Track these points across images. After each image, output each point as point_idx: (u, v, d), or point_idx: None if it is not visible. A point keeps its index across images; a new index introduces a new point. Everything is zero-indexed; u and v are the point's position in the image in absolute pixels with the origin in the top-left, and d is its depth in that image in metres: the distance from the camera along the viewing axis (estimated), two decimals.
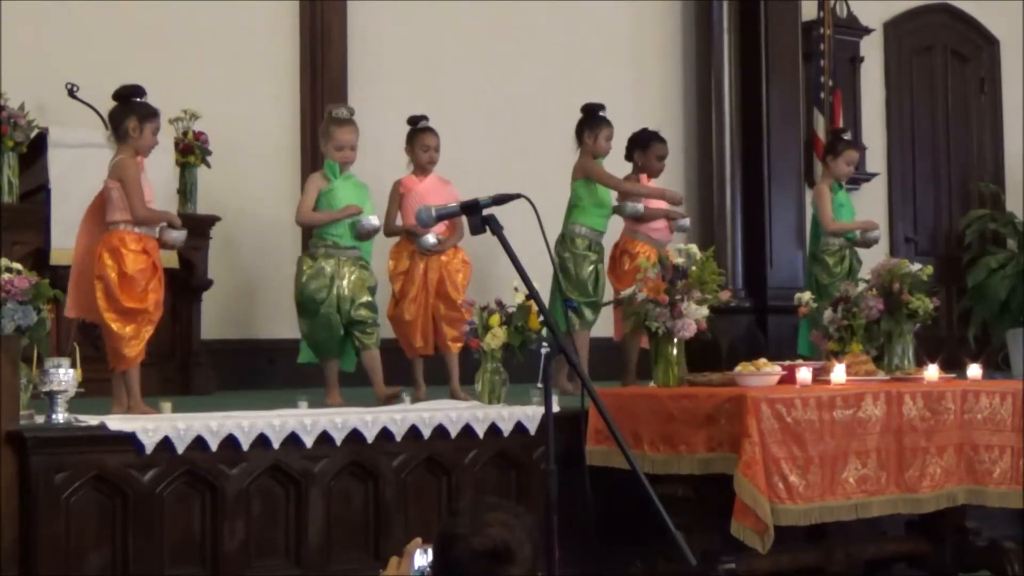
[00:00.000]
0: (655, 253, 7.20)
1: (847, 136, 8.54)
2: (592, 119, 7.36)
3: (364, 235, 6.54)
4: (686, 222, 7.87)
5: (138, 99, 5.91)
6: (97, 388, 5.78)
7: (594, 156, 7.34)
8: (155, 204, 6.02)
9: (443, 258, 6.91)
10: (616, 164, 7.68)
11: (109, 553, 5.00)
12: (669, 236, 7.63)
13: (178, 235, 5.95)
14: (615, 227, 7.64)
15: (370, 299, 6.51)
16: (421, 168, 7.03)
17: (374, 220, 6.54)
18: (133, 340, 5.80)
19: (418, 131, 7.07)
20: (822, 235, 8.03)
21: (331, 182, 6.54)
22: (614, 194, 7.47)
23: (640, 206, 7.40)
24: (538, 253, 3.73)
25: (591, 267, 7.26)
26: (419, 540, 2.92)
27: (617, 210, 7.41)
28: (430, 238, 6.82)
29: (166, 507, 5.12)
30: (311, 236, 6.70)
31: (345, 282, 6.45)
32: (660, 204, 7.62)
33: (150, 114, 5.91)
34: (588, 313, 7.27)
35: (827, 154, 8.26)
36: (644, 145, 7.74)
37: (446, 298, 6.86)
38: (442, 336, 6.89)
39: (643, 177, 7.72)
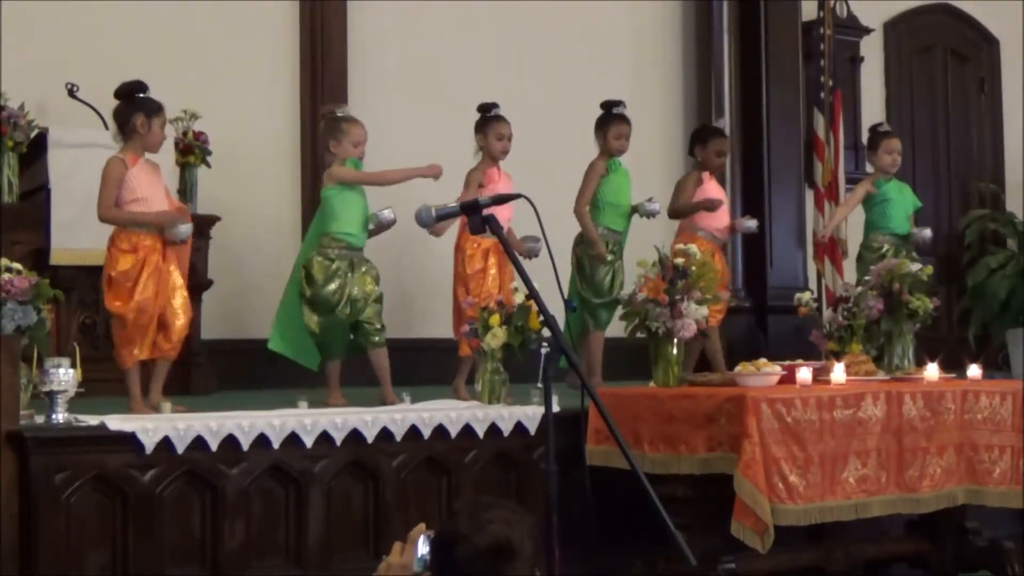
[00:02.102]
0: (716, 251, 7.33)
1: (883, 128, 8.36)
2: (603, 117, 7.29)
3: (382, 229, 6.48)
4: (754, 223, 7.85)
5: (142, 95, 5.91)
6: (97, 388, 5.76)
7: (609, 155, 7.27)
8: (164, 203, 5.98)
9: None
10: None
11: (109, 553, 5.00)
12: (728, 235, 7.64)
13: (182, 229, 5.90)
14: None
15: (378, 299, 6.47)
16: (493, 158, 6.98)
17: (390, 214, 6.49)
18: (127, 342, 5.81)
19: (492, 119, 6.99)
20: (869, 233, 8.01)
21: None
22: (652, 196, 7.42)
23: (656, 206, 7.35)
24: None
25: (606, 267, 7.20)
26: (423, 526, 2.90)
27: (636, 209, 7.37)
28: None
29: (166, 507, 5.12)
30: (322, 235, 6.58)
31: (357, 282, 6.40)
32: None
33: (157, 109, 5.90)
34: (603, 314, 7.23)
35: (868, 150, 8.22)
36: (703, 140, 7.71)
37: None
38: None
39: (705, 175, 7.67)
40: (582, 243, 7.22)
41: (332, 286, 6.36)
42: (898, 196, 8.02)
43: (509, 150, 6.98)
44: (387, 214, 6.46)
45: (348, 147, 6.46)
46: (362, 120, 6.66)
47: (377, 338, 6.45)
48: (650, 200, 7.34)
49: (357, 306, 6.39)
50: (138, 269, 5.80)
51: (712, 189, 7.72)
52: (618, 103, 7.31)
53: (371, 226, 6.50)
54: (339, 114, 6.56)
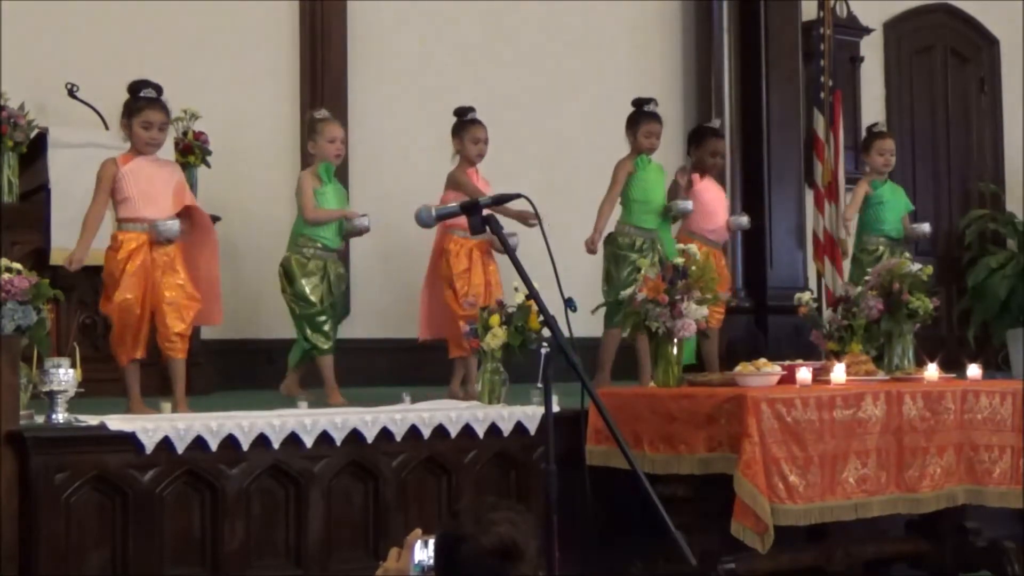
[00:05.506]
0: (713, 253, 7.27)
1: (877, 128, 8.39)
2: (634, 115, 7.29)
3: (356, 235, 6.58)
4: (745, 219, 7.85)
5: (136, 94, 5.90)
6: (97, 388, 5.77)
7: (639, 153, 7.26)
8: (163, 202, 5.96)
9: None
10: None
11: (109, 553, 5.00)
12: (726, 236, 7.64)
13: (169, 227, 5.85)
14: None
15: (335, 306, 6.59)
16: (469, 161, 7.00)
17: (366, 221, 6.56)
18: (118, 342, 5.82)
19: (468, 122, 7.02)
20: (863, 235, 8.02)
21: (323, 183, 6.56)
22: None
23: (688, 204, 7.34)
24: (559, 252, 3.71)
25: (631, 267, 7.18)
26: (419, 531, 2.89)
27: (667, 208, 7.36)
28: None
29: (166, 507, 5.11)
30: (298, 236, 6.65)
31: (332, 282, 6.54)
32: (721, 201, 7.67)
33: (137, 110, 5.87)
34: (618, 312, 7.20)
35: (862, 151, 8.24)
36: (698, 141, 7.72)
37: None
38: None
39: (697, 176, 7.69)
40: (608, 243, 7.22)
41: (311, 285, 6.47)
42: (892, 198, 8.05)
43: (485, 153, 7.02)
44: (364, 221, 6.54)
45: (323, 145, 6.58)
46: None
47: (325, 345, 6.51)
48: (683, 199, 7.36)
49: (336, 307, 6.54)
50: (120, 268, 5.78)
51: (706, 190, 7.71)
52: (649, 100, 7.30)
53: (345, 230, 6.59)
54: (316, 115, 6.65)
